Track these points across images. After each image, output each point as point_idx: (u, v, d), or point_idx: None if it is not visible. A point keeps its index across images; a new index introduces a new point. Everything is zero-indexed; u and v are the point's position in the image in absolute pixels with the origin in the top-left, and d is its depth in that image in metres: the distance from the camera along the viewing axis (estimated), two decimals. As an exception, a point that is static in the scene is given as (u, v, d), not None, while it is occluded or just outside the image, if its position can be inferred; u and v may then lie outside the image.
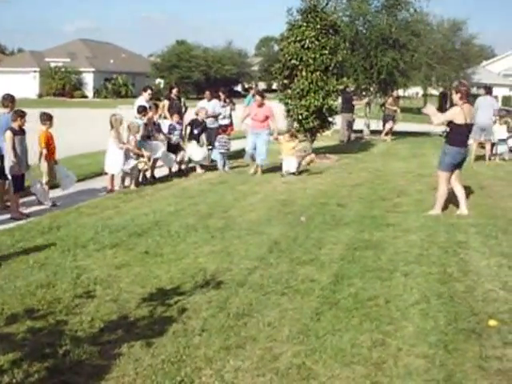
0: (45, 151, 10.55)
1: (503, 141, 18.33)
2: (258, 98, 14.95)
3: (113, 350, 4.88)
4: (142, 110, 12.94)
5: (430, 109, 10.43)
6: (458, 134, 9.97)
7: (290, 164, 14.17)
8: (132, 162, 11.90)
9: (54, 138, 10.92)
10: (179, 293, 6.20)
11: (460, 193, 10.26)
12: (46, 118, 10.76)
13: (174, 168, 14.36)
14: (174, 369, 4.62)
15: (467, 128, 10.01)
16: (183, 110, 16.41)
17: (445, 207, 10.49)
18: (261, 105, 14.63)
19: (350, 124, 23.19)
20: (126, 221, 9.22)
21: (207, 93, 16.89)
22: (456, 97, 9.95)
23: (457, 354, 5.00)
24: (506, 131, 18.11)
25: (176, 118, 14.72)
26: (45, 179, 10.68)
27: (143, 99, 14.17)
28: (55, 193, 11.14)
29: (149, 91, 14.56)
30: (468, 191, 11.25)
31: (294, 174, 14.20)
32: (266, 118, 14.56)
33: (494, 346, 5.20)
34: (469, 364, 4.85)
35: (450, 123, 10.02)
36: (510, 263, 7.57)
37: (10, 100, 10.61)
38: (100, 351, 4.86)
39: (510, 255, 7.91)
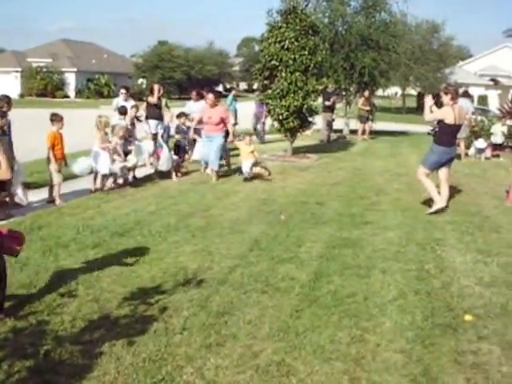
0: (50, 152, 10.46)
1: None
2: (210, 96, 13.63)
3: (94, 350, 4.85)
4: (124, 111, 12.87)
5: (428, 102, 10.41)
6: (445, 134, 10.03)
7: (249, 167, 13.44)
8: (120, 163, 11.82)
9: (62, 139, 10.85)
10: (160, 292, 6.18)
11: (445, 192, 10.31)
12: (56, 119, 10.68)
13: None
14: (156, 367, 4.61)
15: (456, 128, 10.08)
16: (165, 110, 16.31)
17: (422, 205, 10.56)
18: (214, 105, 13.50)
19: (329, 124, 23.25)
20: (108, 221, 9.17)
21: (193, 93, 16.77)
22: (446, 98, 9.92)
23: (433, 349, 5.04)
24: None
25: (183, 119, 14.35)
26: (56, 180, 10.58)
27: (121, 99, 14.11)
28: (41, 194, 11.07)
29: (122, 90, 14.47)
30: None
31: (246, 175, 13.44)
32: (221, 120, 13.36)
33: (470, 340, 5.25)
34: (445, 358, 4.89)
35: (439, 122, 10.08)
36: (486, 259, 7.65)
37: (5, 101, 10.53)
38: (81, 351, 4.83)
39: (486, 251, 7.98)
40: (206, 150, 13.41)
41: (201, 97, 16.41)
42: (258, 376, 4.52)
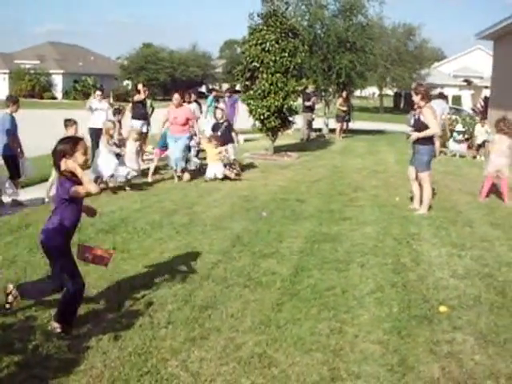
0: None
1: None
2: (175, 97, 13.05)
3: (81, 344, 4.82)
4: (118, 112, 12.72)
5: (417, 135, 10.20)
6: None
7: (216, 170, 12.93)
8: (124, 170, 11.59)
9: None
10: (146, 287, 6.16)
11: (418, 191, 10.32)
12: (69, 124, 10.56)
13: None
14: (141, 360, 4.59)
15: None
16: (150, 111, 16.26)
17: (400, 201, 10.62)
18: (179, 105, 13.05)
19: (309, 123, 23.29)
20: (94, 218, 9.09)
21: (187, 96, 16.59)
22: (417, 98, 9.86)
23: (410, 340, 5.07)
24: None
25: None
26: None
27: (96, 101, 13.98)
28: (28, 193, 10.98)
29: (97, 92, 14.34)
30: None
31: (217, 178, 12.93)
32: (187, 120, 12.96)
33: (445, 330, 5.29)
34: (421, 348, 4.92)
35: (421, 124, 9.88)
36: (460, 252, 7.71)
37: (12, 101, 10.51)
38: (69, 345, 4.79)
39: (459, 245, 8.04)
40: (171, 150, 13.02)
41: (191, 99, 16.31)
42: (241, 368, 4.52)
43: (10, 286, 5.40)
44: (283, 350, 4.82)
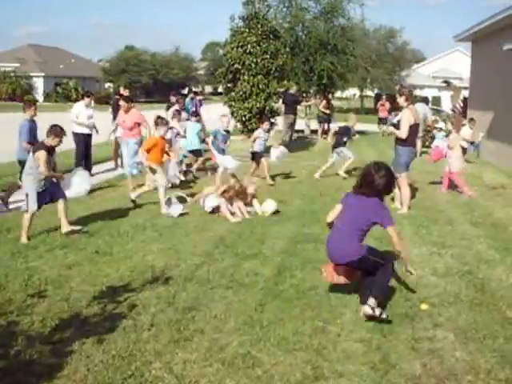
0: (144, 155, 10.27)
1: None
2: (122, 103, 12.71)
3: (64, 349, 4.78)
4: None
5: (392, 130, 10.39)
6: (409, 135, 9.97)
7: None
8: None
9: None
10: (129, 290, 6.14)
11: (399, 191, 10.39)
12: (162, 123, 10.61)
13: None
14: (125, 363, 4.57)
15: (416, 128, 10.14)
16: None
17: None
18: (127, 110, 12.48)
19: (291, 125, 23.30)
20: (77, 222, 9.05)
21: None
22: (401, 100, 9.96)
23: (391, 337, 5.11)
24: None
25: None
26: (160, 181, 10.14)
27: (82, 104, 13.86)
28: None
29: (86, 99, 14.08)
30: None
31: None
32: (135, 125, 12.37)
33: (426, 327, 5.33)
34: (402, 346, 4.96)
35: (400, 125, 10.01)
36: (440, 251, 7.77)
37: (27, 105, 10.56)
38: (52, 350, 4.76)
39: (440, 243, 8.10)
40: (124, 155, 12.63)
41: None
42: (225, 368, 4.52)
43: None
44: (267, 350, 4.82)
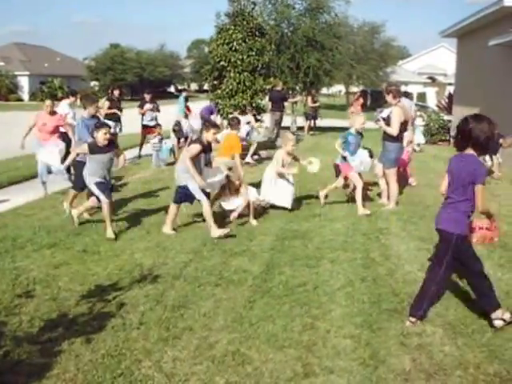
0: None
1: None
2: (47, 103, 11.84)
3: (53, 348, 4.75)
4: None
5: (381, 124, 10.33)
6: (400, 131, 9.99)
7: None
8: None
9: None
10: (117, 288, 6.11)
11: (386, 186, 10.42)
12: (235, 123, 10.78)
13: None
14: (115, 362, 4.55)
15: (405, 125, 10.13)
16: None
17: (367, 197, 10.67)
18: (52, 113, 11.66)
19: (277, 121, 23.26)
20: (64, 221, 8.99)
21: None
22: (389, 97, 9.95)
23: (381, 333, 5.11)
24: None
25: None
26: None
27: (66, 103, 13.73)
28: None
29: (71, 97, 13.94)
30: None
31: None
32: (56, 128, 11.49)
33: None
34: (392, 341, 4.96)
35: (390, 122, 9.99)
36: (428, 246, 7.77)
37: (89, 101, 10.15)
38: (40, 350, 4.72)
39: (428, 239, 8.10)
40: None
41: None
42: (215, 366, 4.50)
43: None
44: (256, 347, 4.81)
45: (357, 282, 6.36)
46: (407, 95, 19.49)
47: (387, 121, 10.04)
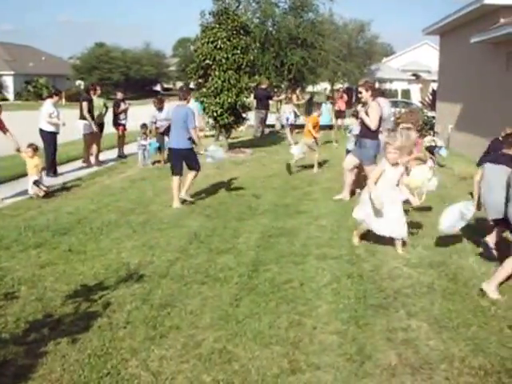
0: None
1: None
2: None
3: (39, 349, 4.71)
4: None
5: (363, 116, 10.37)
6: (376, 128, 9.96)
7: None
8: None
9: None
10: (103, 288, 6.06)
11: (350, 181, 10.52)
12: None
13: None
14: (101, 362, 4.51)
15: (382, 121, 10.12)
16: (104, 110, 16.02)
17: (352, 193, 10.68)
18: None
19: (263, 119, 23.27)
20: (49, 220, 8.94)
21: (155, 101, 16.18)
22: (366, 94, 9.93)
23: (367, 329, 5.11)
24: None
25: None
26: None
27: (50, 103, 13.60)
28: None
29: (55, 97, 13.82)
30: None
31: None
32: None
33: (400, 318, 5.35)
34: (378, 337, 4.97)
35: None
36: (412, 242, 7.80)
37: (188, 93, 10.60)
38: (26, 351, 4.68)
39: (412, 235, 8.12)
40: None
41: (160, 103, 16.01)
42: (202, 364, 4.48)
43: None
44: (243, 344, 4.80)
45: (343, 278, 6.36)
46: (383, 94, 19.76)
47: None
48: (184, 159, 10.10)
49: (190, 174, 10.15)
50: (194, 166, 10.15)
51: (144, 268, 6.71)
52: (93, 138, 15.05)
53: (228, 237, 8.03)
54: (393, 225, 7.23)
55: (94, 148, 15.28)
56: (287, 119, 19.57)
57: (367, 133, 9.94)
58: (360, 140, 10.17)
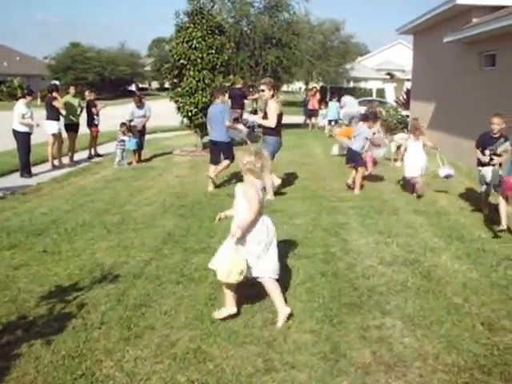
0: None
1: None
2: None
3: (12, 351, 4.65)
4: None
5: (257, 118, 10.95)
6: (278, 126, 10.40)
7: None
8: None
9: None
10: (78, 289, 6.01)
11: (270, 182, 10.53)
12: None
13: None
14: (75, 363, 4.47)
15: (280, 119, 10.47)
16: (79, 110, 15.91)
17: (327, 192, 10.71)
18: None
19: (237, 119, 23.22)
20: (24, 221, 8.84)
21: (136, 99, 16.06)
22: (268, 93, 10.31)
23: (341, 327, 5.13)
24: None
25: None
26: None
27: (22, 104, 13.43)
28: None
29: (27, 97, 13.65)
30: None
31: None
32: None
33: (374, 316, 5.38)
34: (352, 335, 4.98)
35: (266, 115, 10.34)
36: (386, 240, 7.86)
37: (221, 92, 11.88)
38: (-1, 353, 4.63)
39: (386, 233, 8.20)
40: None
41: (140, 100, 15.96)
42: (176, 364, 4.47)
43: None
44: (217, 344, 4.79)
45: (317, 276, 6.37)
46: (350, 94, 20.18)
47: (265, 115, 10.27)
48: (221, 150, 11.71)
49: (225, 162, 11.77)
50: (228, 156, 11.78)
51: (119, 268, 6.66)
52: (56, 138, 14.90)
53: (203, 236, 8.01)
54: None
55: (58, 149, 15.14)
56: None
57: (268, 130, 10.35)
58: (264, 137, 10.57)
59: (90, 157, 16.70)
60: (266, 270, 5.22)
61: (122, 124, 15.31)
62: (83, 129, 16.49)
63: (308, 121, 28.56)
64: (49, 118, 14.81)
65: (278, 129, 10.38)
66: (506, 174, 8.27)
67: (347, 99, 23.58)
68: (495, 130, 8.93)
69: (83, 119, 16.29)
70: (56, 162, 14.94)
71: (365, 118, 12.01)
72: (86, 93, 17.45)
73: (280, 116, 10.37)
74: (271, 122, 10.22)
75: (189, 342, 4.83)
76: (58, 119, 15.00)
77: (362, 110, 20.23)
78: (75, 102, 15.82)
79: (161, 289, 6.02)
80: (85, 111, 16.54)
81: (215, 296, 5.78)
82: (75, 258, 7.06)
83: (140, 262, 6.91)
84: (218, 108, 11.53)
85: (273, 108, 10.18)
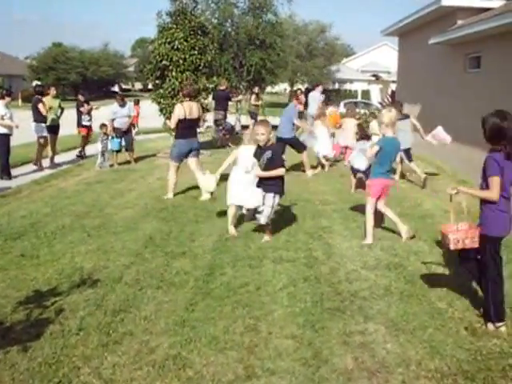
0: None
1: None
2: None
3: (-13, 358, 4.60)
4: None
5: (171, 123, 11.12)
6: (181, 128, 10.70)
7: None
8: None
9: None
10: (56, 294, 5.95)
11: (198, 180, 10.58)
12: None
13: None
14: (52, 370, 4.42)
15: (189, 123, 10.73)
16: (58, 112, 15.79)
17: (311, 195, 10.70)
18: None
19: (220, 121, 23.14)
20: (2, 224, 8.76)
21: (118, 98, 16.10)
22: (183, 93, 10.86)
23: (323, 332, 5.11)
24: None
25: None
26: None
27: (1, 104, 13.30)
28: None
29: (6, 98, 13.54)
30: (332, 180, 11.58)
31: None
32: None
33: (357, 321, 5.37)
34: (334, 340, 4.96)
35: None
36: (369, 243, 7.84)
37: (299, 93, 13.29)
38: (-27, 360, 4.56)
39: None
40: None
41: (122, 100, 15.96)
42: (155, 371, 4.43)
43: None
44: (198, 350, 4.76)
45: (299, 281, 6.36)
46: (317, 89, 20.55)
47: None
48: (290, 145, 13.59)
49: (303, 155, 13.59)
50: (300, 148, 13.62)
51: (98, 273, 6.61)
52: (46, 140, 14.84)
53: (184, 240, 7.97)
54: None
55: (49, 150, 15.08)
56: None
57: (176, 133, 10.95)
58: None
59: (79, 155, 16.74)
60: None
61: (102, 125, 15.22)
62: (68, 130, 16.42)
63: None
64: (37, 120, 14.70)
65: (183, 132, 10.83)
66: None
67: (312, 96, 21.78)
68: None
69: (65, 120, 16.19)
70: (38, 164, 14.83)
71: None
72: (80, 97, 17.59)
73: (188, 121, 10.77)
74: (172, 125, 10.91)
75: (168, 348, 4.79)
76: (46, 121, 14.89)
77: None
78: (56, 103, 15.70)
79: (141, 294, 5.98)
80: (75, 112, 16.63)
81: (196, 301, 5.75)
82: (54, 263, 6.99)
83: (120, 266, 6.86)
84: (289, 109, 14.00)
85: (175, 113, 10.70)
